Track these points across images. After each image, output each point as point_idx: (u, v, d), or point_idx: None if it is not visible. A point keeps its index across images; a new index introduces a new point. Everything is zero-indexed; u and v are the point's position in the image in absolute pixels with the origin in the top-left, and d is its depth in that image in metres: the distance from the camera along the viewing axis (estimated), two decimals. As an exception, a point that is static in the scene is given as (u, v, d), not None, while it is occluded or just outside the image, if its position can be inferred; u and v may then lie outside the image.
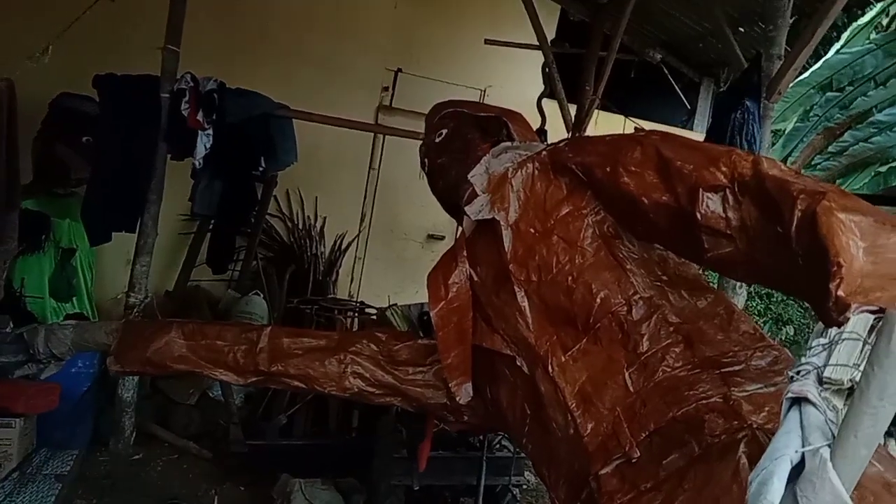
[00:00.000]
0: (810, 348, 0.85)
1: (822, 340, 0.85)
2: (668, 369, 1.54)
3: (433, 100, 2.73)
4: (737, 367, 1.49)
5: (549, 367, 1.72)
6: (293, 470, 3.96)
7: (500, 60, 5.78)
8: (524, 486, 4.43)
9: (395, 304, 4.24)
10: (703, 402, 1.45)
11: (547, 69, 4.82)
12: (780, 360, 1.51)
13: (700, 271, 1.79)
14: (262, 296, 5.12)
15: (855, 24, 6.27)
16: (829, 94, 6.41)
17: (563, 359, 1.72)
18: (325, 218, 5.99)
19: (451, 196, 2.27)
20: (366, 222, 6.33)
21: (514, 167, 1.96)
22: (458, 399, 2.03)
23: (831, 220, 1.06)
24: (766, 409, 1.41)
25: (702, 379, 1.49)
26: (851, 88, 6.27)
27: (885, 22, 6.12)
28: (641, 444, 1.49)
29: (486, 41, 4.76)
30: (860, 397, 0.71)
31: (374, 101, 6.10)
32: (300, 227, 5.89)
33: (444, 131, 2.41)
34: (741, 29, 4.57)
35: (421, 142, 2.63)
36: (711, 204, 1.40)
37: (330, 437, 4.16)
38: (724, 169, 1.39)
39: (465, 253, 2.04)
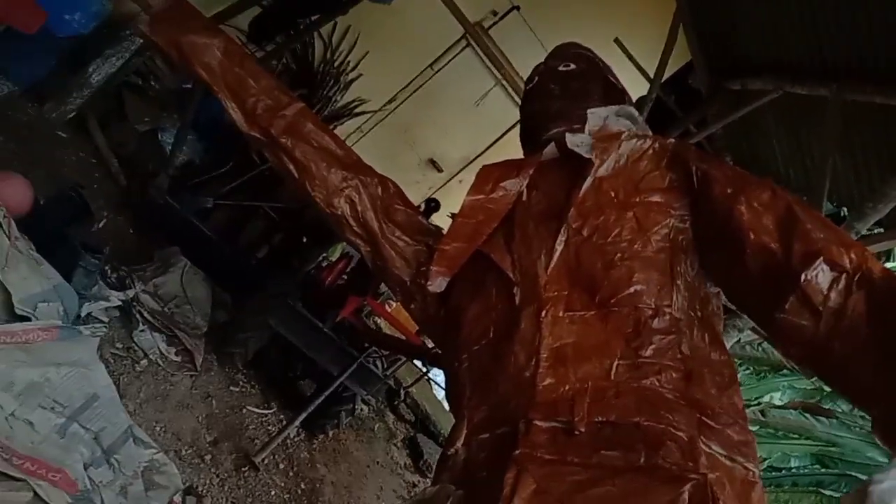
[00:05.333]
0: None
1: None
2: (657, 384, 1.49)
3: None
4: (714, 425, 1.46)
5: (543, 312, 1.65)
6: (185, 250, 3.80)
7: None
8: (360, 411, 4.40)
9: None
10: (672, 429, 1.40)
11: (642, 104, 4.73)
12: (748, 445, 1.48)
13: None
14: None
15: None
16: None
17: (560, 314, 1.65)
18: (360, 75, 5.77)
19: (539, 123, 2.17)
20: (389, 108, 6.12)
21: (630, 134, 1.91)
22: (428, 284, 1.93)
23: None
24: (717, 474, 1.39)
25: (682, 411, 1.45)
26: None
27: None
28: (591, 425, 1.44)
29: (616, 41, 4.66)
30: None
31: (475, 13, 5.86)
32: (335, 65, 5.65)
33: (573, 66, 2.31)
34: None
35: (539, 63, 2.54)
36: (821, 276, 1.36)
37: (234, 246, 4.01)
38: (853, 256, 1.37)
39: (531, 172, 1.96)
